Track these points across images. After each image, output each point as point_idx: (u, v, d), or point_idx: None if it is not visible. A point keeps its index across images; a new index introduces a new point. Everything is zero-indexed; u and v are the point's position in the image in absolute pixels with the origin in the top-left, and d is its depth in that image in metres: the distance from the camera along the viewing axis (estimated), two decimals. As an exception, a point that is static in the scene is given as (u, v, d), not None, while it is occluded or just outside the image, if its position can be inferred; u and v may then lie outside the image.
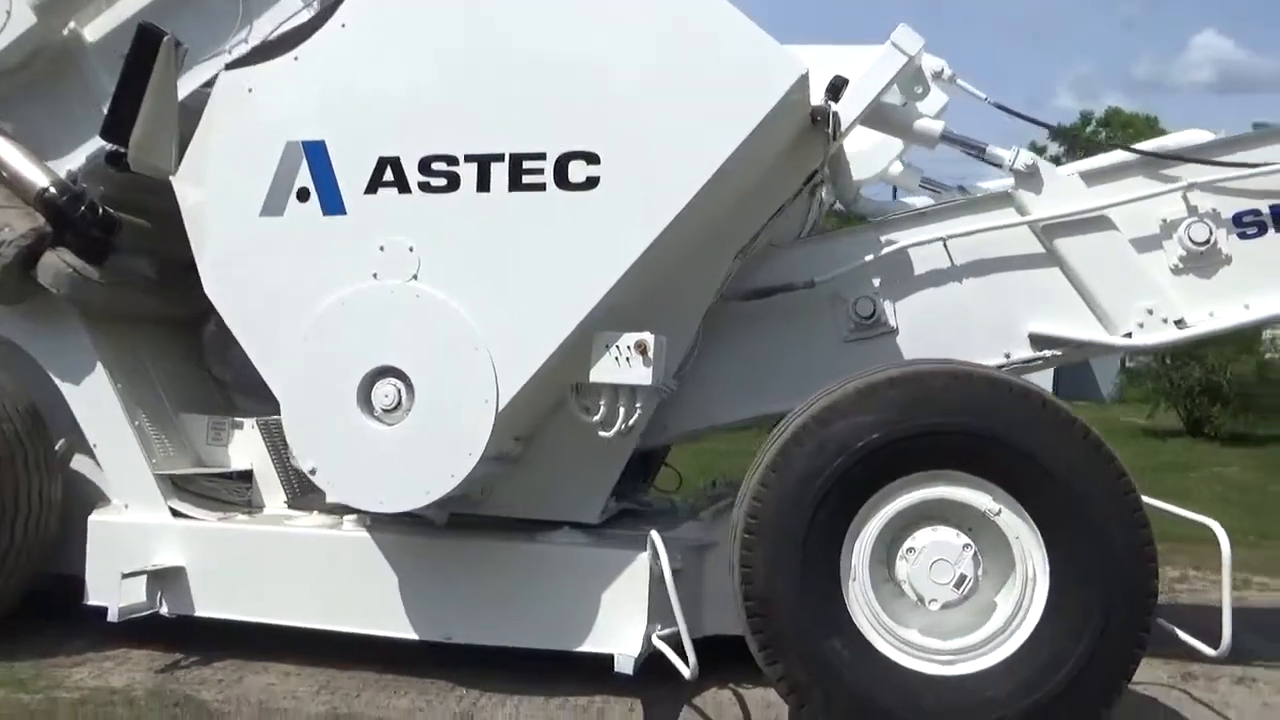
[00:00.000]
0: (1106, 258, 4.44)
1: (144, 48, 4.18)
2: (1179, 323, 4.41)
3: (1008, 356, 4.53)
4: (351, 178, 3.99)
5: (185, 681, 4.31)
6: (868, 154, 5.04)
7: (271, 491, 4.87)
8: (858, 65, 4.47)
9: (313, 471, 4.00)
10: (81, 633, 4.67)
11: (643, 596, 4.13)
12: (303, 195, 4.03)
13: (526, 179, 3.86)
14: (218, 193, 4.15)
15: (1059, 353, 4.53)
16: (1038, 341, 4.52)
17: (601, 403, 3.96)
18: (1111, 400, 20.94)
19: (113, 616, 4.37)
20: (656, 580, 4.11)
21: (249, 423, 4.93)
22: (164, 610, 4.52)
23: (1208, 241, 4.41)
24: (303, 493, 4.87)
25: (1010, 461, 3.63)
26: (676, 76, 3.77)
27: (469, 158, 3.90)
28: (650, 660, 4.04)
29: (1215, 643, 3.74)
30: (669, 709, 4.13)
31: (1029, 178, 4.48)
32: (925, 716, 3.57)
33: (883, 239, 4.58)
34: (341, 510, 4.55)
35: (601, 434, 3.99)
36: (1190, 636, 3.89)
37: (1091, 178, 4.55)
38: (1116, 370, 20.82)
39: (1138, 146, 4.86)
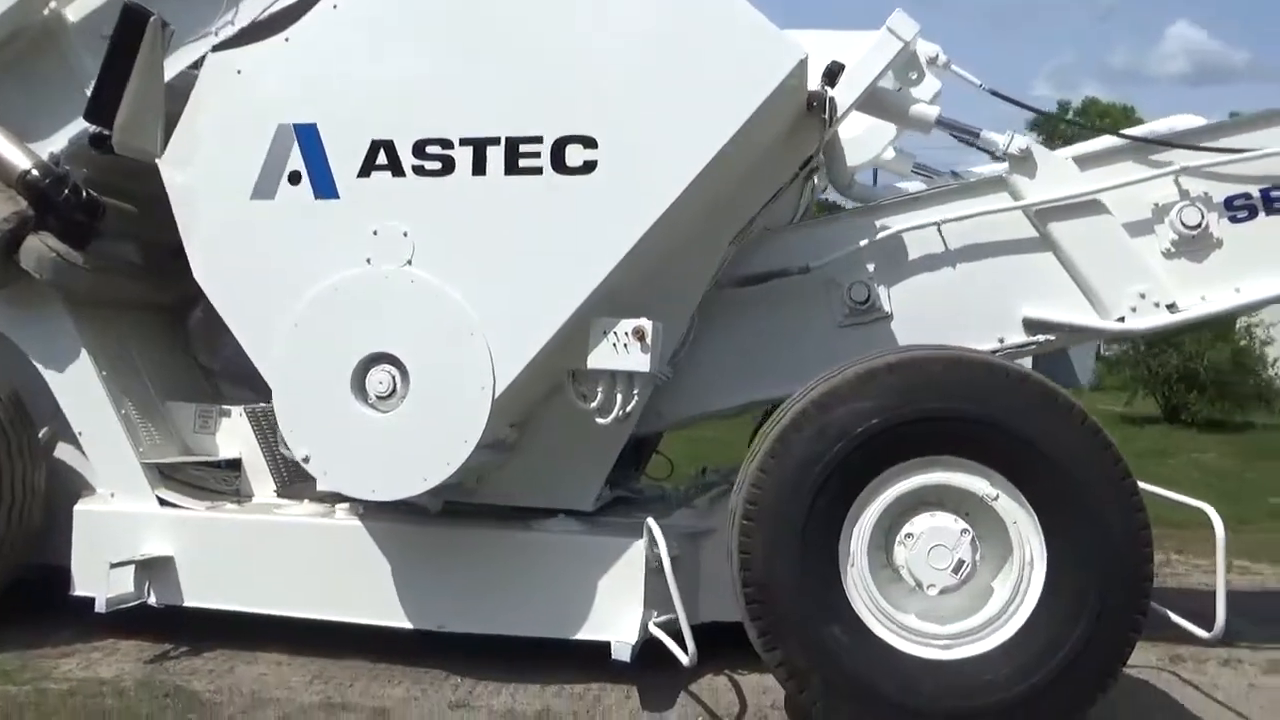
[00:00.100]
0: (1100, 242, 4.45)
1: (129, 28, 4.10)
2: (1171, 307, 4.44)
3: (1001, 341, 4.54)
4: (344, 161, 3.93)
5: (175, 672, 4.26)
6: (861, 140, 5.02)
7: (260, 480, 4.82)
8: (852, 51, 4.45)
9: (306, 460, 3.94)
10: (67, 623, 4.60)
11: (639, 584, 4.11)
12: (294, 178, 3.96)
13: (523, 163, 3.82)
14: (206, 176, 4.08)
15: (1052, 337, 4.55)
16: (1031, 326, 4.54)
17: (599, 389, 3.94)
18: (1090, 388, 21.14)
19: (100, 607, 4.31)
20: (652, 567, 4.10)
21: (237, 411, 4.87)
22: (152, 600, 4.47)
23: (1199, 225, 4.43)
24: (292, 481, 4.82)
25: (1009, 447, 3.62)
26: (675, 60, 3.74)
27: (464, 141, 3.85)
28: (645, 647, 4.03)
29: (1206, 625, 3.77)
30: (665, 696, 4.12)
31: (1023, 162, 4.49)
32: (924, 701, 3.56)
33: (877, 223, 4.57)
34: (333, 499, 4.51)
35: (599, 421, 3.97)
36: (1183, 619, 3.92)
37: (1084, 162, 4.56)
38: (1094, 358, 21.03)
39: (1127, 131, 4.87)
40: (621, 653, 3.97)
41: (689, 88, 3.72)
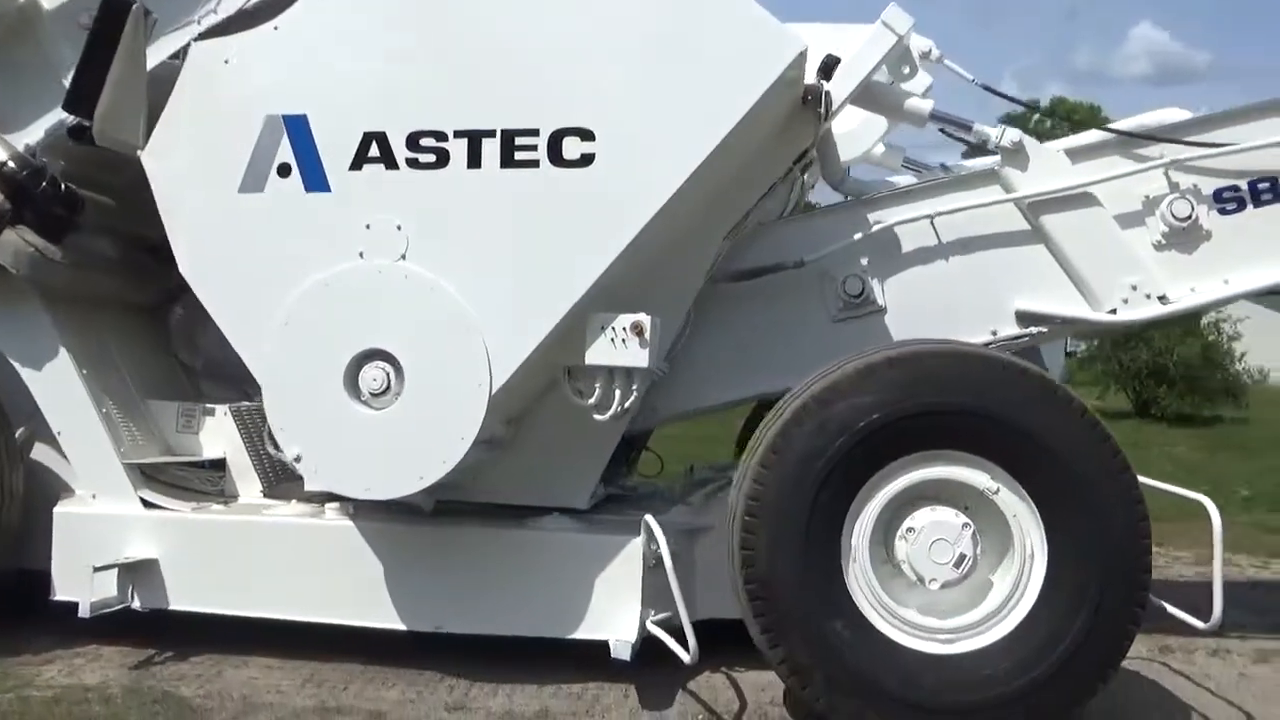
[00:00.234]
0: (1091, 234, 4.47)
1: (111, 16, 4.00)
2: (1162, 298, 4.46)
3: (994, 334, 4.54)
4: (335, 153, 3.85)
5: (162, 677, 4.17)
6: (852, 135, 5.00)
7: (246, 480, 4.72)
8: (844, 44, 4.43)
9: (297, 459, 3.86)
10: (46, 629, 4.49)
11: (636, 582, 4.07)
12: (284, 171, 3.88)
13: (519, 155, 3.75)
14: (192, 169, 3.98)
15: (1045, 329, 4.56)
16: (1024, 319, 4.55)
17: (596, 385, 3.89)
18: (1062, 383, 21.26)
19: (84, 612, 4.21)
20: (650, 565, 4.06)
21: (221, 409, 4.77)
22: (136, 604, 4.37)
23: (1189, 217, 4.46)
24: (279, 481, 4.73)
25: (1009, 440, 3.62)
26: (674, 51, 3.69)
27: (459, 133, 3.78)
28: (640, 646, 3.99)
29: (1198, 616, 3.79)
30: (663, 694, 4.08)
31: (1015, 155, 4.49)
32: (925, 695, 3.56)
33: (870, 217, 4.56)
34: (321, 499, 4.43)
35: (597, 417, 3.92)
36: (1180, 610, 3.94)
37: (1076, 155, 4.57)
38: (1063, 354, 21.24)
39: (1115, 126, 4.89)
40: (621, 652, 3.93)
41: (688, 79, 3.68)
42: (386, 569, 4.22)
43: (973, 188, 4.60)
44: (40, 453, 4.73)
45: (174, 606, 4.37)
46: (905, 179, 5.19)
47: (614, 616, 4.07)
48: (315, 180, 3.86)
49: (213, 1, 4.36)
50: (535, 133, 3.74)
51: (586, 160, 3.72)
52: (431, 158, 3.80)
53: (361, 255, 3.83)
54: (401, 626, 4.21)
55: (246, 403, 4.88)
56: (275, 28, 3.91)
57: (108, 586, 4.30)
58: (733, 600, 3.83)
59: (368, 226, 3.83)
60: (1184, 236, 4.48)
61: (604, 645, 4.04)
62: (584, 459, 4.35)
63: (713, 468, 5.42)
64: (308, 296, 3.83)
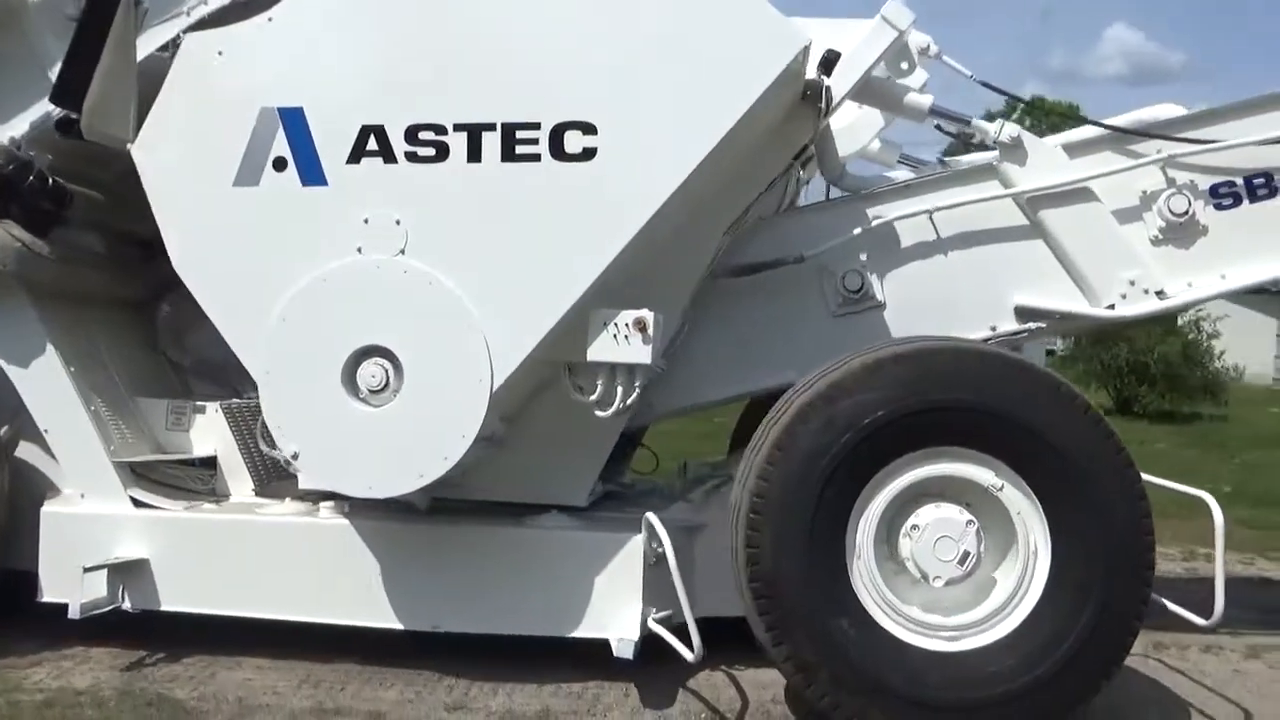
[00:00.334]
0: (1090, 229, 4.47)
1: (100, 6, 3.91)
2: (1160, 293, 4.48)
3: (993, 329, 4.54)
4: (332, 147, 3.78)
5: (154, 680, 4.09)
6: (849, 130, 4.97)
7: (237, 478, 4.65)
8: (842, 39, 4.40)
9: (295, 457, 3.80)
10: (31, 630, 4.39)
11: (637, 580, 4.04)
12: (279, 165, 3.81)
13: (520, 149, 3.70)
14: (185, 163, 3.90)
15: (1044, 325, 4.56)
16: (1023, 314, 4.55)
17: (598, 382, 3.85)
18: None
19: (74, 613, 4.12)
20: (650, 563, 4.03)
21: (212, 407, 4.69)
22: (127, 605, 4.29)
23: (1186, 213, 4.47)
24: (271, 479, 4.66)
25: (1014, 437, 3.61)
26: (678, 44, 3.65)
27: (458, 127, 3.73)
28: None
29: (1196, 611, 3.80)
30: (663, 693, 4.05)
31: (1013, 150, 4.49)
32: (930, 692, 3.55)
33: (870, 212, 4.54)
34: (315, 497, 4.37)
35: (598, 414, 3.88)
36: (1180, 607, 3.95)
37: (1073, 150, 4.57)
38: (1044, 352, 21.37)
39: (1109, 121, 4.89)
40: (624, 650, 3.90)
41: (693, 72, 3.64)
42: (383, 568, 4.17)
43: (971, 183, 4.60)
44: (24, 451, 4.64)
45: (165, 607, 4.29)
46: (901, 174, 5.19)
47: (614, 615, 4.04)
48: (312, 174, 3.80)
49: None
50: (537, 126, 3.69)
51: (589, 154, 3.68)
52: (431, 151, 3.74)
53: (360, 250, 3.77)
54: (399, 626, 4.15)
55: (237, 400, 4.81)
56: (269, 19, 3.84)
57: (97, 587, 4.22)
58: (732, 598, 3.81)
59: (366, 221, 3.77)
60: (1181, 232, 4.50)
61: (602, 644, 4.02)
62: (583, 456, 4.31)
63: (707, 464, 5.39)
64: (305, 292, 3.77)
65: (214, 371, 5.10)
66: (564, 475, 4.30)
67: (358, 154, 3.77)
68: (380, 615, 4.15)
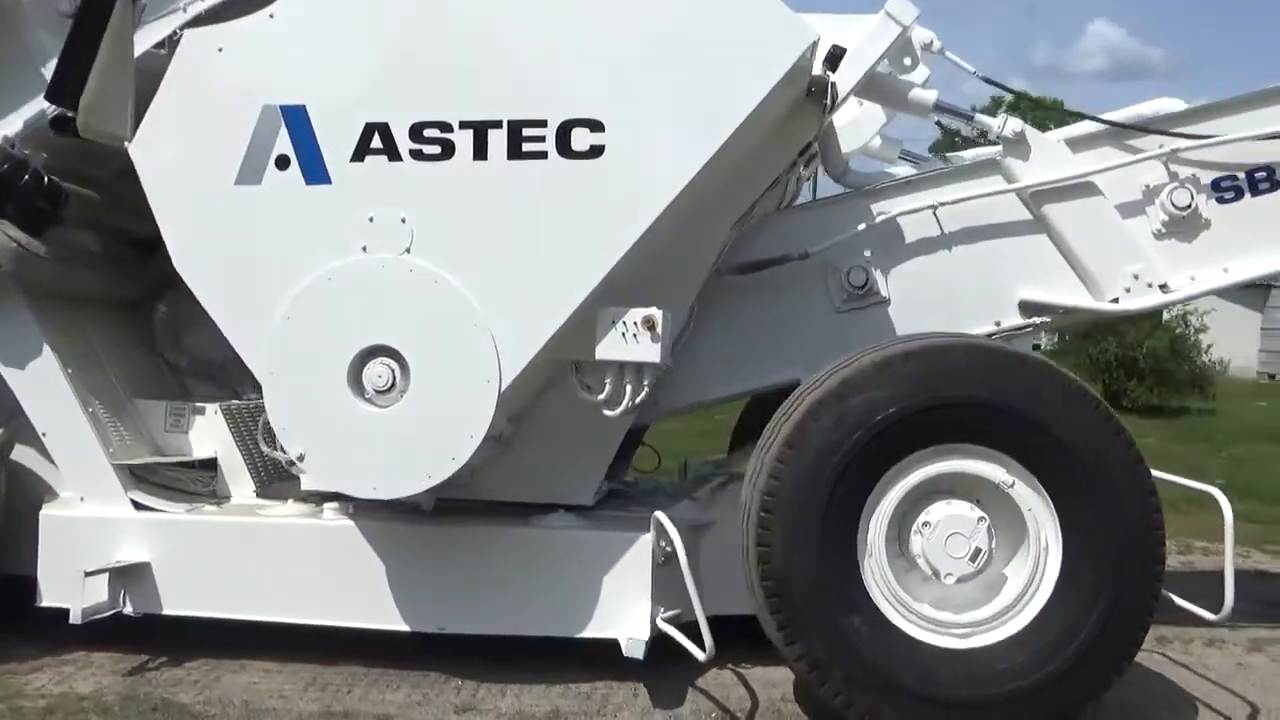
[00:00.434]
0: (1093, 223, 4.47)
1: (97, 2, 3.84)
2: (1163, 287, 4.49)
3: (998, 324, 4.54)
4: (336, 144, 3.73)
5: (158, 684, 4.05)
6: (851, 127, 4.95)
7: (238, 480, 4.60)
8: (845, 35, 4.37)
9: (301, 458, 3.76)
10: (30, 636, 4.34)
11: (646, 579, 4.01)
12: (282, 163, 3.76)
13: (526, 147, 3.66)
14: (185, 161, 3.84)
15: (1048, 319, 4.56)
16: (1027, 308, 4.55)
17: (607, 381, 3.82)
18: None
19: (75, 618, 4.06)
20: (658, 562, 4.01)
21: (211, 408, 4.64)
22: (128, 609, 4.24)
23: (1189, 206, 4.48)
24: (271, 481, 4.61)
25: (1024, 434, 3.60)
26: (685, 40, 3.62)
27: (464, 124, 3.68)
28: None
29: (1203, 605, 3.81)
30: (672, 692, 4.04)
31: (1016, 145, 4.48)
32: (943, 689, 3.54)
33: (874, 207, 4.53)
34: (318, 498, 4.33)
35: (606, 413, 3.85)
36: (1188, 602, 3.95)
37: (1076, 144, 4.56)
38: (1030, 347, 21.41)
39: (1108, 117, 4.88)
40: (635, 650, 3.88)
41: (700, 68, 3.61)
42: (388, 569, 4.13)
43: (975, 178, 4.59)
44: (20, 454, 4.57)
45: (168, 611, 4.25)
46: (903, 170, 5.17)
47: (623, 615, 4.01)
48: (315, 172, 3.75)
49: None
50: (543, 124, 3.65)
51: (596, 151, 3.64)
52: (436, 149, 3.70)
53: (364, 249, 3.73)
54: (405, 628, 4.12)
55: (237, 401, 4.76)
56: (270, 15, 3.78)
57: (98, 591, 4.16)
58: (739, 596, 3.80)
59: (371, 219, 3.73)
60: (1184, 225, 4.50)
61: (609, 644, 3.99)
62: (589, 455, 4.28)
63: (710, 462, 5.37)
64: (309, 291, 3.73)
65: (211, 372, 5.05)
66: (570, 474, 4.27)
67: (362, 152, 3.72)
68: (386, 617, 4.11)
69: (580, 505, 4.29)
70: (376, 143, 3.72)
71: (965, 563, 3.62)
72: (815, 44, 3.72)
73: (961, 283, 4.54)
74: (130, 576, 4.23)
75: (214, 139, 3.81)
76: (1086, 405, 3.64)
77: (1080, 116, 4.76)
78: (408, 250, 3.71)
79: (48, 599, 4.25)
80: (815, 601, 3.55)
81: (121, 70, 3.95)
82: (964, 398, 3.61)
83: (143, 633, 4.31)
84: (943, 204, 4.53)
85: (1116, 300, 4.48)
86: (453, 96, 3.70)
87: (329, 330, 3.73)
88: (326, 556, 4.19)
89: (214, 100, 3.81)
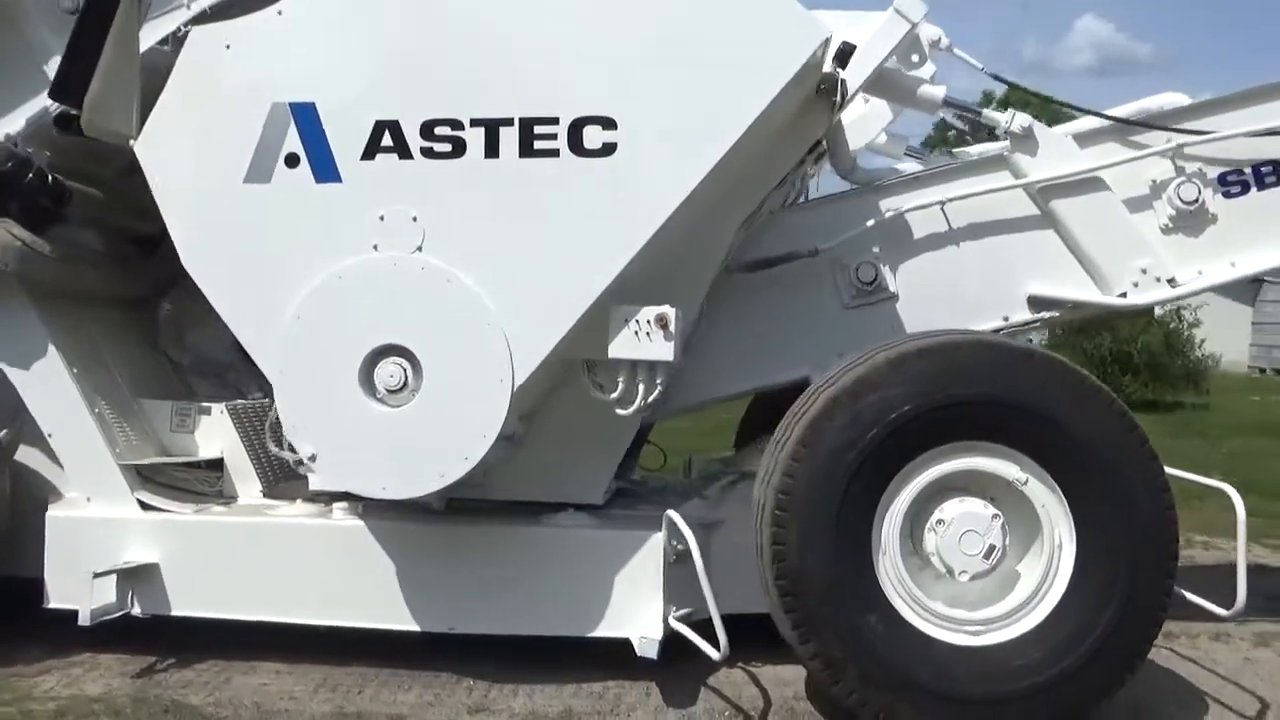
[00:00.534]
0: (1101, 219, 4.47)
1: None
2: (1171, 281, 4.48)
3: (1006, 319, 4.54)
4: (346, 142, 3.70)
5: (168, 686, 4.02)
6: (857, 124, 4.94)
7: (245, 480, 4.57)
8: (853, 32, 4.36)
9: (312, 458, 3.73)
10: (36, 638, 4.31)
11: (658, 578, 4.00)
12: (291, 161, 3.73)
13: (538, 145, 3.64)
14: (193, 160, 3.81)
15: (1056, 314, 4.56)
16: (1036, 303, 4.54)
17: (619, 379, 3.80)
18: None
19: (84, 620, 4.03)
20: (669, 561, 4.00)
21: (217, 408, 4.61)
22: (136, 611, 4.21)
23: (1196, 201, 4.48)
24: (278, 480, 4.59)
25: (1038, 430, 3.60)
26: (698, 37, 3.59)
27: (475, 122, 3.66)
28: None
29: (1215, 601, 3.82)
30: (684, 691, 4.03)
31: (1024, 140, 4.47)
32: (959, 686, 3.54)
33: (882, 204, 4.52)
34: (326, 498, 4.31)
35: (619, 412, 3.84)
36: (1200, 598, 3.96)
37: (1083, 140, 4.56)
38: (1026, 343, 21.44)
39: (1112, 113, 4.88)
40: (648, 650, 3.87)
41: (713, 65, 3.59)
42: (398, 569, 4.11)
43: (982, 173, 4.58)
44: (23, 455, 4.54)
45: (176, 612, 4.22)
46: (909, 167, 5.17)
47: (635, 614, 4.00)
48: (325, 171, 3.72)
49: None
50: (555, 121, 3.63)
51: (609, 149, 3.62)
52: (447, 147, 3.67)
53: (375, 247, 3.70)
54: (415, 628, 4.10)
55: (243, 400, 4.74)
56: (279, 12, 3.75)
57: (106, 593, 4.13)
58: (749, 595, 3.79)
59: (381, 218, 3.70)
60: (1191, 220, 4.51)
61: (619, 643, 3.98)
62: (599, 454, 4.26)
63: (718, 460, 5.36)
64: (320, 290, 3.70)
65: (215, 370, 5.03)
66: (581, 473, 4.25)
67: (372, 150, 3.69)
68: (396, 617, 4.09)
69: (591, 504, 4.27)
70: (387, 141, 3.69)
71: (979, 560, 3.62)
72: (828, 41, 3.70)
73: (969, 278, 4.53)
74: (138, 577, 4.20)
75: (222, 137, 3.78)
76: (1100, 402, 3.63)
77: (1089, 113, 4.75)
78: (419, 249, 3.69)
79: (55, 600, 4.22)
80: (830, 600, 3.54)
81: (126, 67, 3.92)
82: (978, 395, 3.60)
83: (149, 634, 4.28)
84: (951, 199, 4.52)
85: (1125, 295, 4.48)
86: (464, 94, 3.67)
87: (340, 329, 3.70)
88: (336, 557, 4.17)
89: (222, 98, 3.78)
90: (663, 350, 3.69)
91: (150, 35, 4.21)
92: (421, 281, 3.67)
